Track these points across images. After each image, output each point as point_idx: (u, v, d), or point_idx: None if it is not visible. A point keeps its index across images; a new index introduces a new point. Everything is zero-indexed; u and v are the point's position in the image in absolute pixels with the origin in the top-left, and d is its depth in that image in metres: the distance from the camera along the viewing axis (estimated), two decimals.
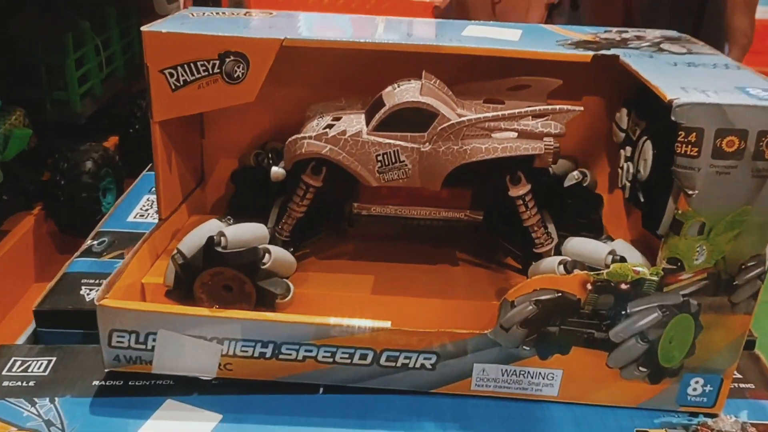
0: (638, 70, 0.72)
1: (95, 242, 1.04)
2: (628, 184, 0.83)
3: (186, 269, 0.74)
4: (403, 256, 0.87)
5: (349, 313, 0.75)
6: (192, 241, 0.75)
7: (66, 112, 1.28)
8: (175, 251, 0.76)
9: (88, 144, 1.26)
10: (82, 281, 0.95)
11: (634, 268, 0.68)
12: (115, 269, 0.78)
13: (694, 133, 0.63)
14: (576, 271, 0.69)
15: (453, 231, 0.84)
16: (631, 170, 0.82)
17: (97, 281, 0.94)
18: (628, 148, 0.83)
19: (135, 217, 1.11)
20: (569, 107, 0.73)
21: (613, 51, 0.79)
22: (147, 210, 1.12)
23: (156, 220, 0.90)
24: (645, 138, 0.78)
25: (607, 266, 0.72)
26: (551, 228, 0.84)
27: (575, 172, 0.92)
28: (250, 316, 0.72)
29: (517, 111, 0.74)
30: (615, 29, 0.92)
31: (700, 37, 0.88)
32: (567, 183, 0.91)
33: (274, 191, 0.88)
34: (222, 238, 0.74)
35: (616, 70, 0.78)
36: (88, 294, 0.92)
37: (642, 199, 0.79)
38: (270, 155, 0.92)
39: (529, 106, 0.81)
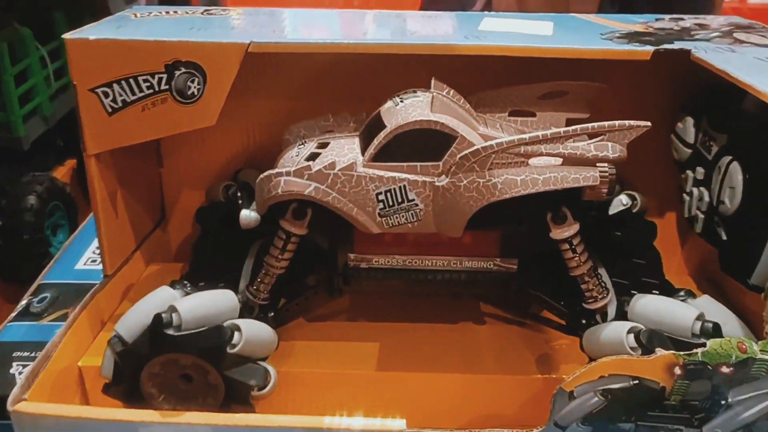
0: (728, 71, 0.54)
1: (35, 299, 0.85)
2: (701, 216, 0.65)
3: (127, 358, 0.55)
4: (415, 316, 0.70)
5: (349, 401, 0.58)
6: (134, 320, 0.56)
7: (6, 136, 1.09)
8: (113, 334, 0.57)
9: (31, 175, 1.07)
10: (15, 354, 0.77)
11: (740, 344, 0.49)
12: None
13: None
14: (659, 351, 0.50)
15: (478, 284, 0.66)
16: (706, 199, 0.63)
17: (33, 354, 0.75)
18: (700, 170, 0.65)
19: (86, 263, 0.92)
20: (633, 123, 0.55)
21: (678, 44, 0.61)
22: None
23: None
24: (729, 158, 0.59)
25: (695, 336, 0.54)
26: (604, 275, 0.65)
27: (622, 196, 0.74)
28: (215, 420, 0.54)
29: (563, 130, 0.55)
30: (668, 17, 0.74)
31: None
32: (613, 210, 0.73)
33: (249, 233, 0.68)
34: (174, 314, 0.55)
35: (673, 69, 0.60)
36: (20, 372, 0.74)
37: (724, 237, 0.60)
38: (241, 190, 0.73)
39: (571, 119, 0.63)
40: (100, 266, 0.86)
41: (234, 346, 0.56)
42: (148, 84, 0.62)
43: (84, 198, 1.19)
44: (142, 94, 0.63)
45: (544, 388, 0.62)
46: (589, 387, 0.51)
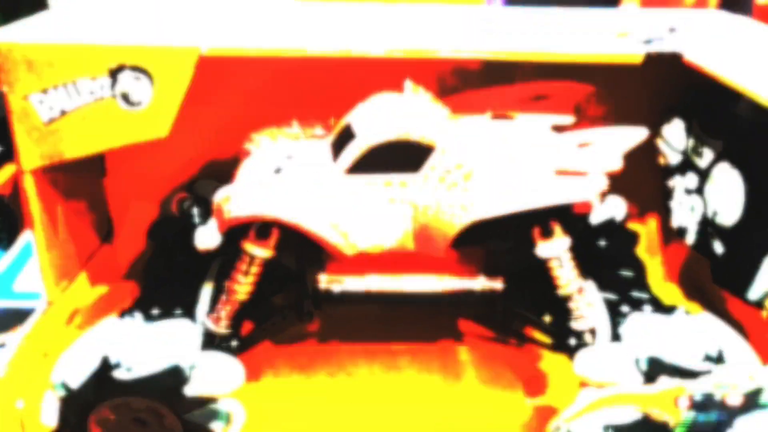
0: (726, 74, 0.49)
1: None
2: (693, 227, 0.61)
3: (71, 405, 0.49)
4: (392, 336, 0.64)
5: None
6: (77, 360, 0.49)
7: None
8: (54, 377, 0.50)
9: None
10: None
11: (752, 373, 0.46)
12: None
13: None
14: (664, 381, 0.46)
15: (461, 306, 0.61)
16: (699, 209, 0.60)
17: None
18: (692, 177, 0.61)
19: (27, 283, 0.84)
20: (629, 131, 0.51)
21: (667, 44, 0.57)
22: None
23: None
24: (726, 166, 0.56)
25: (699, 360, 0.50)
26: (592, 290, 0.61)
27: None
28: None
29: (553, 139, 0.50)
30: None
31: None
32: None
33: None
34: (122, 354, 0.48)
35: (662, 69, 0.57)
36: None
37: (721, 250, 0.57)
38: (197, 205, 0.66)
39: (555, 123, 0.59)
40: None
41: (192, 385, 0.49)
42: (90, 90, 0.55)
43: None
44: (82, 102, 0.56)
45: (534, 414, 0.58)
46: (588, 422, 0.47)
